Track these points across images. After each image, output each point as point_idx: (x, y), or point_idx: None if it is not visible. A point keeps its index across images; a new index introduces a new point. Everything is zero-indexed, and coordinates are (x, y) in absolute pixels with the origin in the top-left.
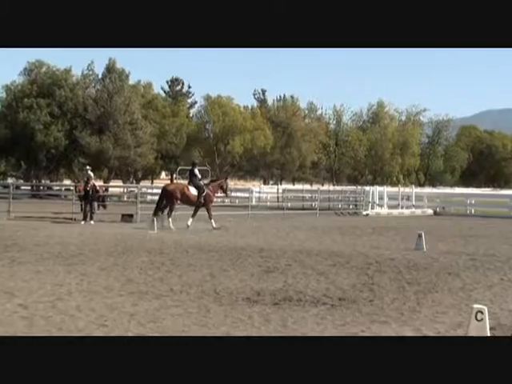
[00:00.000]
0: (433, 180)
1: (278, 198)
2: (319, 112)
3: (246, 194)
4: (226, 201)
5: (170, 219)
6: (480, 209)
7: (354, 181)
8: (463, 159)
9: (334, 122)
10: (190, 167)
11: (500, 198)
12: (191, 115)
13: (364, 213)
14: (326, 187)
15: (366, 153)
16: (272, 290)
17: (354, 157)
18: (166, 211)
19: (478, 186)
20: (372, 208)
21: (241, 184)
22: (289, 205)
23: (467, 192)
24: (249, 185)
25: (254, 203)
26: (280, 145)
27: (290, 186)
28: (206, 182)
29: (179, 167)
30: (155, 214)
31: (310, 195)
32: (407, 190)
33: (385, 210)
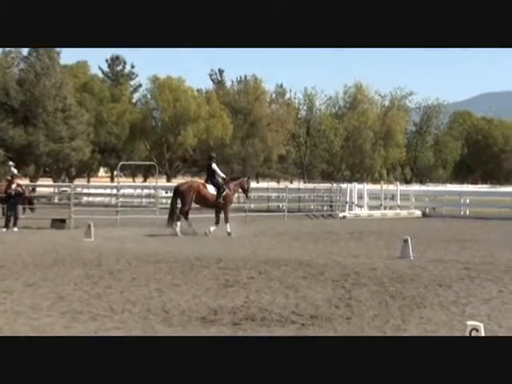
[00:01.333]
0: (421, 175)
1: (238, 197)
2: (287, 96)
3: None
4: None
5: (190, 223)
6: (476, 209)
7: (328, 177)
8: (456, 151)
9: (305, 108)
10: (138, 162)
11: (499, 196)
12: (135, 100)
13: (340, 215)
14: (295, 185)
15: (342, 144)
16: (231, 308)
17: (329, 149)
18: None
19: (474, 182)
20: (350, 209)
21: None
22: (252, 206)
23: (461, 190)
24: None
25: None
26: (241, 135)
27: (252, 184)
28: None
29: (121, 162)
30: (170, 218)
31: (276, 194)
32: (391, 187)
33: (365, 212)
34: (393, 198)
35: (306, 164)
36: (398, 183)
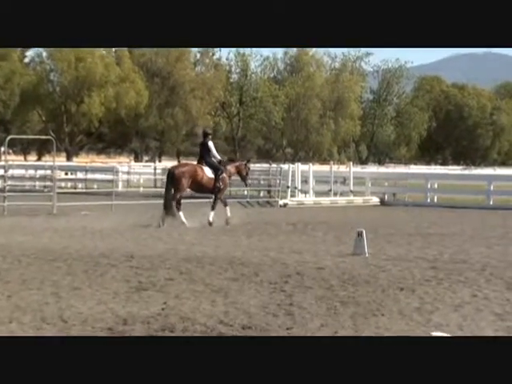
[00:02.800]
0: (379, 154)
1: (155, 180)
2: (216, 56)
3: (110, 176)
4: (80, 186)
5: (181, 212)
6: (446, 196)
7: (266, 156)
8: (422, 124)
9: (238, 71)
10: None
11: (474, 180)
12: (27, 60)
13: (281, 202)
14: None
15: (283, 115)
16: (145, 316)
17: (267, 121)
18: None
19: (444, 163)
20: (292, 195)
21: (101, 161)
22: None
23: (428, 172)
24: (113, 162)
25: (120, 189)
26: (159, 103)
27: (173, 164)
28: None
29: (9, 136)
30: (167, 207)
31: None
32: (343, 169)
33: (310, 199)
34: (345, 181)
35: (238, 139)
36: (352, 164)
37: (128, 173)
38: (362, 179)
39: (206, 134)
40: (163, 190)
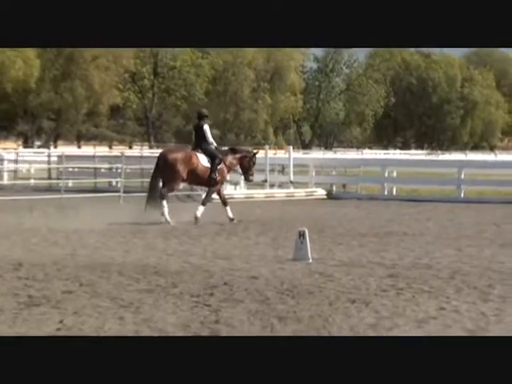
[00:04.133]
0: (326, 137)
1: (49, 170)
2: None
3: None
4: None
5: (166, 208)
6: (407, 187)
7: (186, 139)
8: (378, 100)
9: None
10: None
11: (441, 167)
12: None
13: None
14: (136, 151)
15: (208, 88)
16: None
17: (188, 96)
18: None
19: (405, 146)
20: None
21: None
22: (69, 183)
23: (385, 157)
24: None
25: (5, 181)
26: (53, 75)
27: (71, 150)
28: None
29: None
30: (151, 198)
31: (108, 166)
32: (281, 154)
33: (241, 192)
34: (283, 170)
35: (152, 119)
36: (292, 148)
37: (15, 161)
38: (304, 167)
39: (201, 116)
40: (59, 182)
